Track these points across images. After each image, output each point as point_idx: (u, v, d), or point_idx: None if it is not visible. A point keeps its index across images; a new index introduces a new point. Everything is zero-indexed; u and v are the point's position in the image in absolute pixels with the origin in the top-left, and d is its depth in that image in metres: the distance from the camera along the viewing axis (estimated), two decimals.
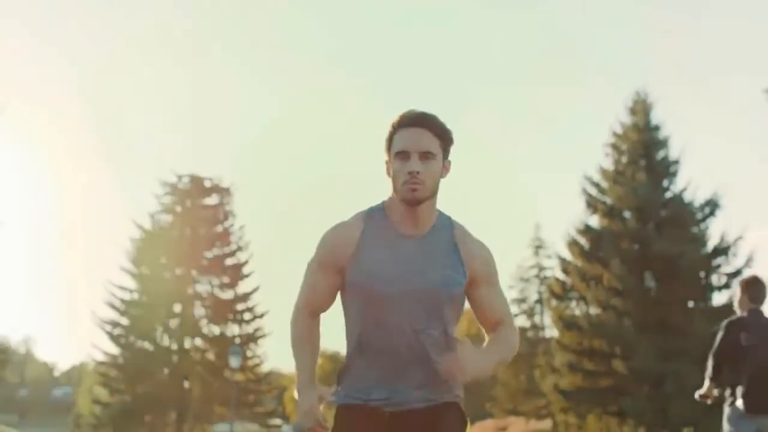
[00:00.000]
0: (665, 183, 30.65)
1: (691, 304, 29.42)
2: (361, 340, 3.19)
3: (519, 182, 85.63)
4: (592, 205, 30.72)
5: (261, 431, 40.15)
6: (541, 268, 44.16)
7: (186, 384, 37.25)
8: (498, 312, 3.28)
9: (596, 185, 31.34)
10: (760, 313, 6.60)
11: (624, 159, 30.88)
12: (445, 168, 3.21)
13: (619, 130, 31.52)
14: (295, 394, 3.21)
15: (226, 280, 38.23)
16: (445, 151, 3.20)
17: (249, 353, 37.67)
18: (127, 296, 37.33)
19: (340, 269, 3.20)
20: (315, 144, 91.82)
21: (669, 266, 28.88)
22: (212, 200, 38.86)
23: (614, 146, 31.54)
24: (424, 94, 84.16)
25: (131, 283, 37.53)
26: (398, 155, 3.13)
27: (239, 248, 38.68)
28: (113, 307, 37.11)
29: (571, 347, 30.09)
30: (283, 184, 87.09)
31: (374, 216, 3.23)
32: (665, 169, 30.56)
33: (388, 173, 3.20)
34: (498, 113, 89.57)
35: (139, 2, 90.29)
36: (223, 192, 38.96)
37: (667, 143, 31.10)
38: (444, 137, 3.18)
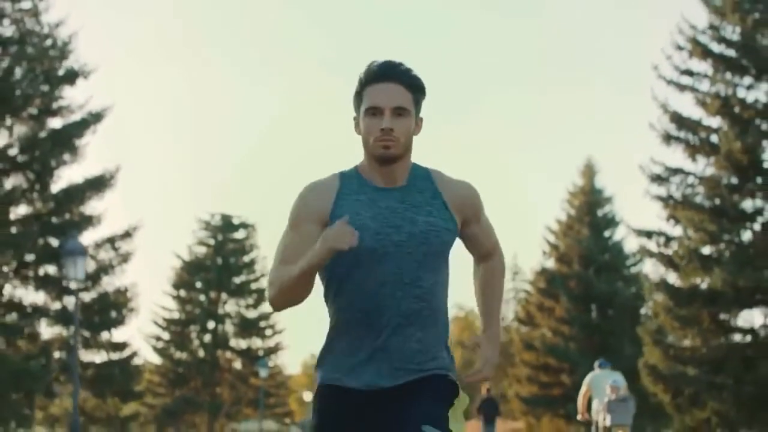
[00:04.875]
0: (607, 233, 41.96)
1: (623, 331, 40.65)
2: (347, 302, 3.18)
3: (511, 193, 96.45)
4: (547, 252, 42.16)
5: (279, 428, 51.54)
6: (517, 291, 55.56)
7: (217, 389, 48.22)
8: (488, 243, 3.39)
9: (554, 233, 42.70)
10: (491, 397, 21.67)
11: (573, 214, 42.21)
12: (418, 125, 3.20)
13: (572, 189, 42.85)
14: (304, 264, 3.03)
15: (251, 301, 49.00)
16: (418, 106, 3.18)
17: (271, 363, 48.83)
18: (168, 315, 48.15)
19: (323, 223, 3.16)
20: (320, 155, 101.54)
21: (606, 301, 40.21)
22: (240, 235, 49.88)
23: (568, 202, 42.87)
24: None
25: (172, 304, 48.39)
26: (368, 111, 3.12)
27: (262, 275, 49.67)
28: (156, 324, 48.02)
29: (530, 363, 41.52)
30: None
31: (348, 175, 3.23)
32: (607, 223, 41.90)
33: (357, 131, 3.19)
34: (497, 119, 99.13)
35: (138, 7, 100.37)
36: (249, 228, 50.08)
37: (612, 200, 42.43)
38: (417, 91, 3.17)
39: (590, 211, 41.73)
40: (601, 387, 14.78)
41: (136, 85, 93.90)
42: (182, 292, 48.40)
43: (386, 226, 3.14)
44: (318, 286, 3.22)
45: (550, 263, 42.49)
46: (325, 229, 3.05)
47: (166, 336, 47.81)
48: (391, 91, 3.13)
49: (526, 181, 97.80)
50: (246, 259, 49.49)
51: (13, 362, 23.68)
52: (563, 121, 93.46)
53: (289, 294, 3.11)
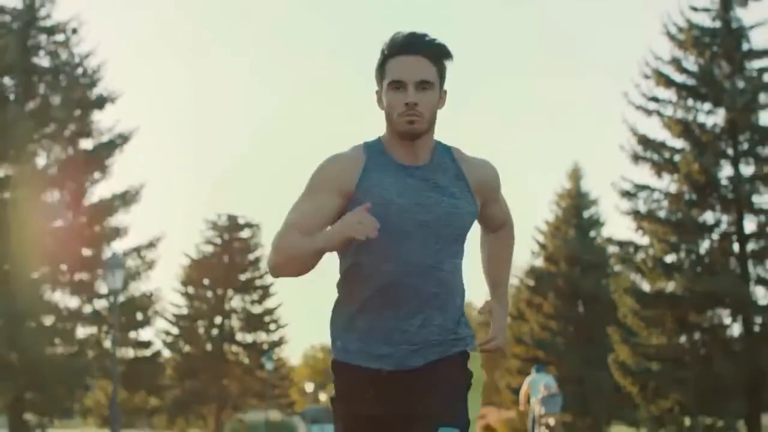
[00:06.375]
0: (592, 234, 45.82)
1: (607, 326, 44.52)
2: (367, 280, 3.19)
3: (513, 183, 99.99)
4: (536, 252, 46.08)
5: (283, 418, 55.43)
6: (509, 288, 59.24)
7: (224, 381, 51.87)
8: (502, 218, 3.52)
9: (542, 233, 46.56)
10: None
11: (560, 216, 46.08)
12: (442, 99, 3.23)
13: (560, 191, 46.71)
14: (319, 244, 3.06)
15: (256, 297, 52.53)
16: (442, 79, 3.21)
17: (274, 356, 52.61)
18: (177, 311, 51.75)
19: (345, 195, 3.19)
20: (325, 150, 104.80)
21: (591, 298, 44.08)
22: (245, 234, 53.65)
23: (556, 203, 46.73)
24: None
25: (181, 300, 51.91)
26: (392, 85, 3.14)
27: (266, 272, 53.05)
28: (166, 319, 51.70)
29: (520, 356, 45.45)
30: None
31: (373, 148, 3.25)
32: (591, 225, 45.78)
33: (380, 105, 3.22)
34: (495, 108, 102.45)
35: (140, 3, 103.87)
36: (254, 227, 53.86)
37: (597, 202, 46.29)
38: (442, 63, 3.20)
39: (576, 213, 45.61)
40: (537, 386, 19.58)
41: (136, 83, 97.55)
42: (190, 289, 51.84)
43: (413, 204, 3.16)
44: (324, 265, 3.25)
45: (539, 262, 46.37)
46: (347, 211, 3.14)
47: (175, 331, 51.20)
48: (415, 64, 3.13)
49: (520, 178, 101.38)
50: (251, 257, 53.02)
51: (58, 361, 27.63)
52: (555, 119, 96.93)
53: (296, 267, 3.14)
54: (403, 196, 3.17)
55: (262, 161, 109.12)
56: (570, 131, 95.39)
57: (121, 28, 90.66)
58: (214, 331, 51.66)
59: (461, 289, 3.31)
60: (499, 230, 3.56)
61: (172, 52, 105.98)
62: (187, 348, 51.50)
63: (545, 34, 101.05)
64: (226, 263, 52.31)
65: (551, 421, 19.29)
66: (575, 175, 46.46)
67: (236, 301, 52.43)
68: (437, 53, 3.18)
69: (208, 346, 51.34)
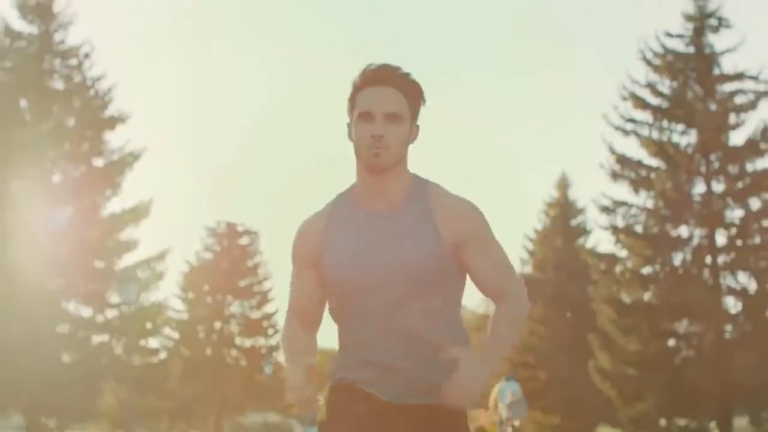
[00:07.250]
0: (580, 241, 48.24)
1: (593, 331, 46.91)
2: (343, 332, 3.26)
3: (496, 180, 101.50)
4: (525, 260, 48.52)
5: (280, 421, 57.58)
6: None
7: (224, 385, 53.89)
8: (495, 276, 3.18)
9: (531, 241, 49.01)
10: None
11: (549, 224, 48.51)
12: (413, 132, 3.18)
13: (548, 200, 49.15)
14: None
15: (254, 303, 54.25)
16: (414, 113, 3.17)
17: (273, 360, 54.63)
18: (177, 316, 53.89)
19: (315, 266, 3.25)
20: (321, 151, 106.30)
21: (579, 304, 46.48)
22: (244, 241, 55.68)
23: (545, 212, 49.16)
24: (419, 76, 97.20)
25: (181, 306, 53.76)
26: (361, 116, 3.11)
27: (265, 278, 55.25)
28: (168, 325, 53.63)
29: (510, 360, 47.81)
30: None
31: (340, 200, 3.26)
32: (579, 232, 48.20)
33: (350, 137, 3.17)
34: (486, 107, 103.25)
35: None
36: (252, 235, 56.02)
37: (584, 211, 48.72)
38: (413, 97, 3.15)
39: (564, 221, 48.07)
40: (505, 393, 22.11)
41: (142, 103, 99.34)
42: (191, 295, 53.73)
43: (368, 261, 3.14)
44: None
45: (528, 269, 48.82)
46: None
47: (175, 335, 53.25)
48: (384, 96, 3.11)
49: (511, 185, 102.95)
50: (250, 263, 54.84)
51: (73, 367, 30.00)
52: (546, 122, 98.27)
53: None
54: (358, 251, 3.18)
55: (261, 171, 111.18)
56: (560, 140, 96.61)
57: (131, 48, 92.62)
58: (214, 336, 53.55)
59: (450, 332, 3.23)
60: (497, 302, 3.25)
61: (174, 73, 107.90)
62: (186, 353, 53.38)
63: (540, 31, 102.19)
64: (226, 269, 54.18)
65: (516, 423, 21.81)
66: (563, 184, 48.90)
67: (235, 307, 54.19)
68: (409, 87, 3.18)
69: (208, 351, 53.14)
